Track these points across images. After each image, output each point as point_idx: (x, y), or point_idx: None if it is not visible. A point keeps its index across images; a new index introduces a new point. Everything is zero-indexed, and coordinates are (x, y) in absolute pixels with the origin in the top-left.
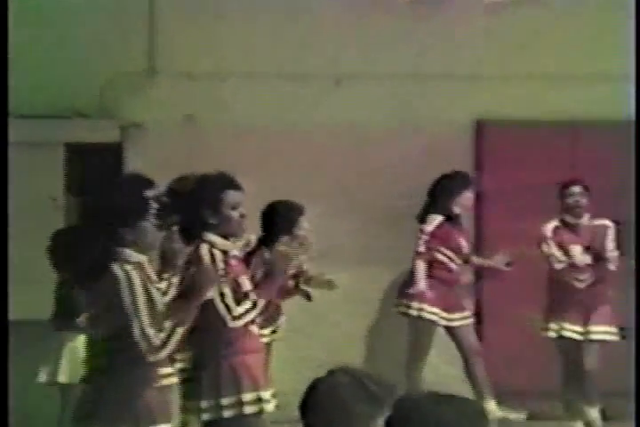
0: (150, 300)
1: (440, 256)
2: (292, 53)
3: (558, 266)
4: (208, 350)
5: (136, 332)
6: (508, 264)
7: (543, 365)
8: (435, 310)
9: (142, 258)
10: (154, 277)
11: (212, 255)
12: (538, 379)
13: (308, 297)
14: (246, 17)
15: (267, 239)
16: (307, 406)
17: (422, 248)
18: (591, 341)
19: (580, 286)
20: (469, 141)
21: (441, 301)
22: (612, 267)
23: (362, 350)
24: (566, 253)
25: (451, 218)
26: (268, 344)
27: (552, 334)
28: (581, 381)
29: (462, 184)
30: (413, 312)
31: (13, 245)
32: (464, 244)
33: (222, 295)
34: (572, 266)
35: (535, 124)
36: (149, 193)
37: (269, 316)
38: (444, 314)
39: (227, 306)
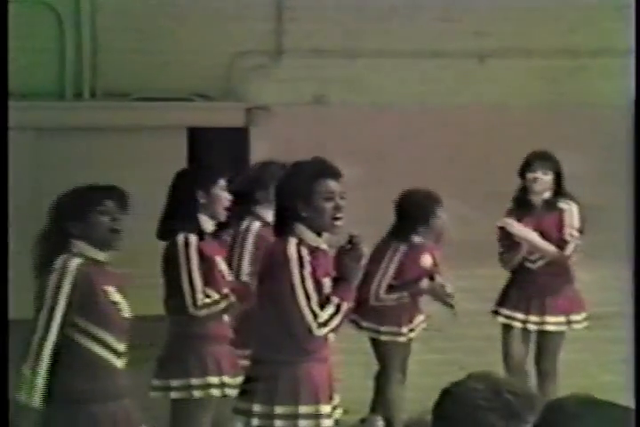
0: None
1: None
2: (429, 29)
3: None
4: (279, 353)
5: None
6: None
7: None
8: None
9: (100, 255)
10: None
11: (300, 254)
12: None
13: (451, 306)
14: None
15: (400, 230)
16: (436, 411)
17: None
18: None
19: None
20: (628, 122)
21: None
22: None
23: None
24: None
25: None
26: (406, 344)
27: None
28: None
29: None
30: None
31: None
32: None
33: (308, 299)
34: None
35: None
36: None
37: (406, 314)
38: None
39: (313, 312)
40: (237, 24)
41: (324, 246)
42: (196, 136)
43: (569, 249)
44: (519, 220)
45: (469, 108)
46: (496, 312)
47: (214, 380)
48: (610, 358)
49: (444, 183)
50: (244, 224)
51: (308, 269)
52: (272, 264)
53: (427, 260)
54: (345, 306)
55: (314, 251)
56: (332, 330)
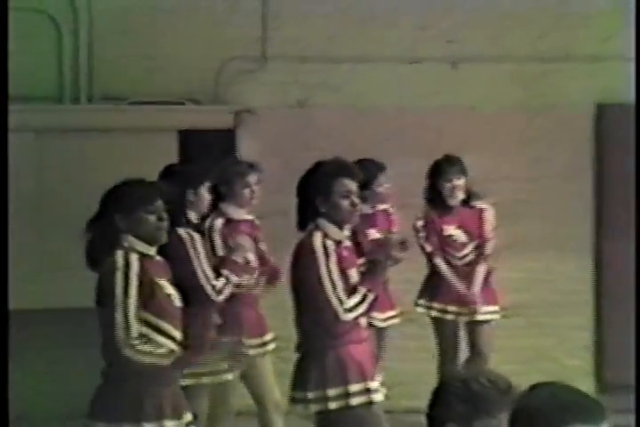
0: (151, 294)
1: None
2: (406, 36)
3: None
4: (316, 340)
5: (118, 321)
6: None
7: None
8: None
9: (150, 250)
10: (164, 273)
11: (325, 245)
12: None
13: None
14: None
15: None
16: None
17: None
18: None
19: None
20: (591, 123)
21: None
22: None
23: None
24: None
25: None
26: (382, 330)
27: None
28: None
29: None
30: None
31: None
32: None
33: (334, 287)
34: None
35: None
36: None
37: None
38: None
39: (339, 299)
40: (226, 31)
41: (346, 241)
42: (187, 138)
43: (489, 248)
44: (440, 219)
45: (444, 111)
46: (425, 306)
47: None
48: (573, 344)
49: (423, 183)
50: (208, 221)
51: (333, 260)
52: (300, 256)
53: (372, 233)
54: (371, 296)
55: (338, 244)
56: (359, 316)
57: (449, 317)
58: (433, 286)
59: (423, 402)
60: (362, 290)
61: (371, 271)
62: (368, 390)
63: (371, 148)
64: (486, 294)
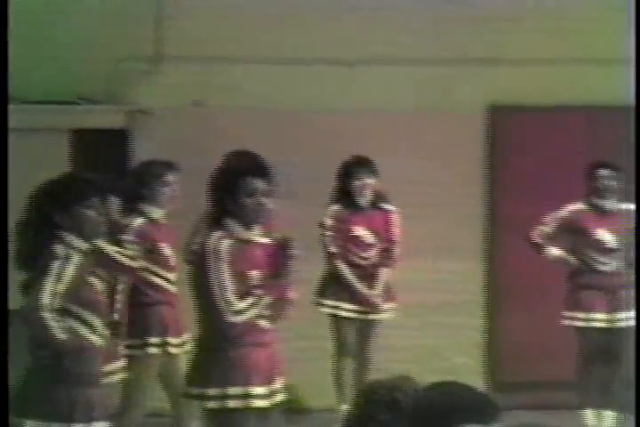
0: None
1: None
2: (302, 37)
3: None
4: (212, 340)
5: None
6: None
7: None
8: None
9: (84, 245)
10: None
11: (218, 246)
12: None
13: None
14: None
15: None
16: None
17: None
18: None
19: (605, 269)
20: (483, 126)
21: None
22: None
23: None
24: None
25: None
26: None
27: (579, 324)
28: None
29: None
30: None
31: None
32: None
33: (222, 288)
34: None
35: (549, 109)
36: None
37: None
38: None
39: (227, 301)
40: (121, 31)
41: (257, 239)
42: (79, 138)
43: (397, 250)
44: (349, 219)
45: (341, 113)
46: (320, 304)
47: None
48: (465, 343)
49: (313, 186)
50: (126, 220)
51: (225, 261)
52: (198, 257)
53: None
54: (266, 299)
55: (244, 244)
56: (248, 319)
57: (344, 314)
58: (332, 285)
59: (323, 401)
60: (256, 292)
61: (273, 275)
62: (249, 396)
63: (266, 149)
64: (385, 294)
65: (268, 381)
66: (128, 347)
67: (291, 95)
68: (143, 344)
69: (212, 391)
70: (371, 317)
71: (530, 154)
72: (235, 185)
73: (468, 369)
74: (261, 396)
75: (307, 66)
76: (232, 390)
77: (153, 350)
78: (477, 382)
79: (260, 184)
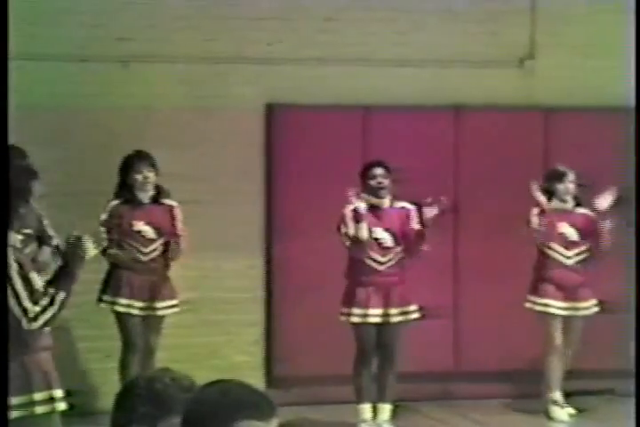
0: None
1: None
2: (75, 34)
3: (354, 244)
4: (13, 346)
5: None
6: None
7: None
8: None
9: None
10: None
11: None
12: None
13: None
14: None
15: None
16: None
17: None
18: (393, 323)
19: (380, 268)
20: (261, 124)
21: None
22: (423, 247)
23: None
24: (366, 235)
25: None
26: None
27: (356, 320)
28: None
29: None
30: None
31: None
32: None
33: (17, 296)
34: (374, 248)
35: (326, 108)
36: None
37: None
38: None
39: (23, 308)
40: None
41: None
42: None
43: (183, 243)
44: (130, 214)
45: (115, 110)
46: (110, 302)
47: None
48: (243, 340)
49: (85, 181)
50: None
51: (14, 267)
52: None
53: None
54: (61, 296)
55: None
56: (48, 321)
57: (134, 311)
58: (116, 282)
59: (106, 403)
60: (50, 291)
61: (64, 269)
62: (52, 399)
63: (39, 149)
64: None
65: (53, 385)
66: None
67: (62, 93)
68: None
69: (14, 400)
70: (160, 313)
71: (307, 153)
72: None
73: (247, 366)
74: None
75: (78, 63)
76: (37, 396)
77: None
78: (256, 379)
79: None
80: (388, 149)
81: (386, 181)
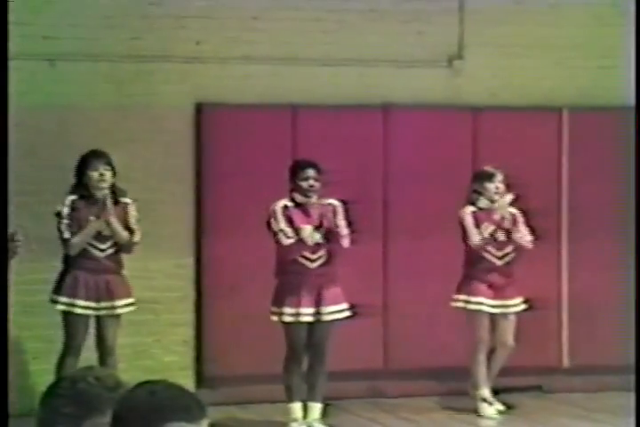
0: None
1: None
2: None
3: (286, 241)
4: None
5: None
6: None
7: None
8: None
9: None
10: None
11: None
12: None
13: None
14: None
15: None
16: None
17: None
18: (324, 321)
19: (311, 266)
20: (190, 124)
21: None
22: (345, 243)
23: None
24: (296, 232)
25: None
26: None
27: (288, 319)
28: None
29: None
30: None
31: None
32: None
33: None
34: (303, 246)
35: (254, 107)
36: None
37: None
38: None
39: None
40: None
41: None
42: None
43: (137, 236)
44: (88, 210)
45: (39, 110)
46: (67, 303)
47: None
48: (172, 340)
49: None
50: None
51: None
52: None
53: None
54: None
55: None
56: None
57: (91, 312)
58: (71, 282)
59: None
60: None
61: None
62: None
63: None
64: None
65: None
66: None
67: None
68: None
69: None
70: (118, 311)
71: (236, 152)
72: None
73: (177, 366)
74: None
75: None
76: None
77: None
78: (186, 379)
79: None
80: (316, 148)
81: (317, 184)
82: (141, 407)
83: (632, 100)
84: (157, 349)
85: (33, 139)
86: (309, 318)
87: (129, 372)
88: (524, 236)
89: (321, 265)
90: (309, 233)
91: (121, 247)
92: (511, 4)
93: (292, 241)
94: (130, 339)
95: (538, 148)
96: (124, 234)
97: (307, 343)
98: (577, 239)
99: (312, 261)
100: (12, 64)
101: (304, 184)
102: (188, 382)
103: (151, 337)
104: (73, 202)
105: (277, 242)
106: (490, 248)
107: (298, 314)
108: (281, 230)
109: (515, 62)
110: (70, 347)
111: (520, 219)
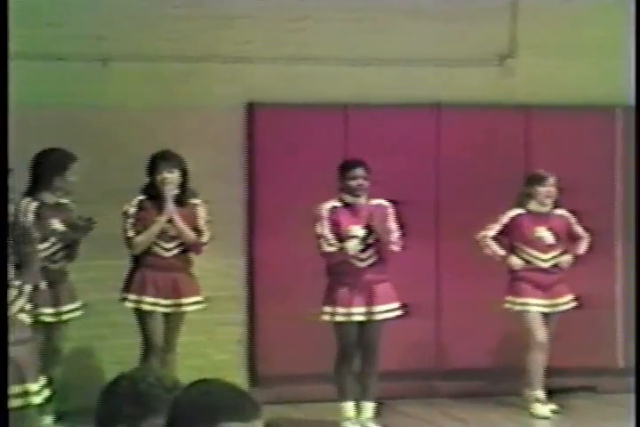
0: None
1: None
2: (52, 33)
3: (327, 249)
4: None
5: None
6: None
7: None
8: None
9: None
10: None
11: None
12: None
13: None
14: None
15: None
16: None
17: None
18: (375, 321)
19: (362, 265)
20: (241, 123)
21: None
22: (395, 248)
23: None
24: (340, 240)
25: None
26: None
27: (340, 319)
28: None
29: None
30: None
31: None
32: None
33: None
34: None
35: (308, 107)
36: None
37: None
38: None
39: None
40: None
41: None
42: None
43: (205, 237)
44: (156, 211)
45: (93, 110)
46: (135, 301)
47: None
48: (224, 339)
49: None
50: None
51: None
52: None
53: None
54: (27, 288)
55: None
56: (20, 312)
57: (160, 309)
58: (140, 280)
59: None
60: (15, 283)
61: (24, 264)
62: (27, 393)
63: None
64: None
65: (27, 380)
66: None
67: (38, 92)
68: None
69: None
70: (185, 309)
71: (287, 152)
72: None
73: (229, 365)
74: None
75: (53, 61)
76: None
77: None
78: (238, 378)
79: None
80: (367, 148)
81: (366, 183)
82: (195, 408)
83: None
84: (210, 348)
85: (80, 139)
86: (361, 318)
87: (181, 370)
88: (580, 246)
89: (371, 264)
90: (353, 247)
91: (188, 247)
92: (564, 3)
93: (332, 249)
94: (182, 337)
95: (591, 147)
96: (191, 234)
97: (358, 343)
98: (630, 238)
99: (362, 260)
100: (64, 65)
101: (352, 183)
102: (240, 381)
103: (203, 336)
104: (140, 202)
105: (318, 247)
106: (535, 252)
107: (350, 314)
108: (323, 236)
109: (566, 61)
110: (150, 347)
111: (572, 220)
